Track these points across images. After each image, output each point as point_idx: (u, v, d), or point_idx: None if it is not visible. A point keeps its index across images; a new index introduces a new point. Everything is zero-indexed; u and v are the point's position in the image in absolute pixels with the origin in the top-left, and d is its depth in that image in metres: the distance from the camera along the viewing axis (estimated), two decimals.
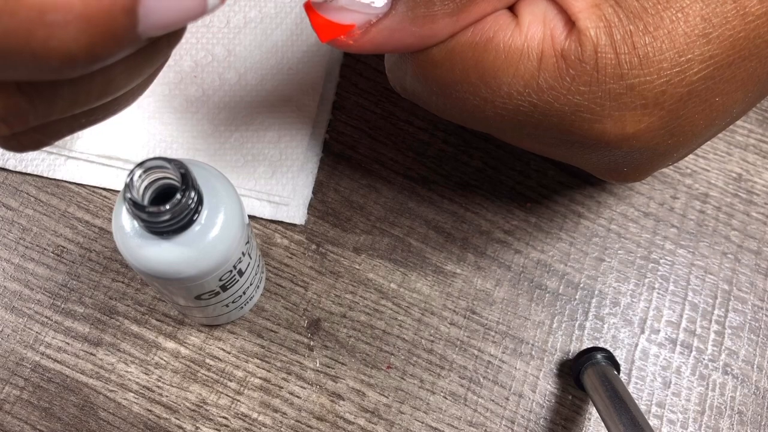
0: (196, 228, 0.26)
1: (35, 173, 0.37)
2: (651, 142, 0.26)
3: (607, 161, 0.29)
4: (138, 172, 0.25)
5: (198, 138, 0.37)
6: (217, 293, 0.30)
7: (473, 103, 0.26)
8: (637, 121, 0.25)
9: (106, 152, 0.37)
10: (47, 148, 0.37)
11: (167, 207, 0.24)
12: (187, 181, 0.25)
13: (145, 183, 0.25)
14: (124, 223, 0.27)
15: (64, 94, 0.19)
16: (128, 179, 0.25)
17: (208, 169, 0.28)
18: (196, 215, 0.26)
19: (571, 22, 0.25)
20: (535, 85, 0.25)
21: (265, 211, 0.37)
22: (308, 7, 0.25)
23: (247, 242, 0.29)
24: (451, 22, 0.25)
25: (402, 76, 0.28)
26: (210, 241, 0.27)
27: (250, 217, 0.37)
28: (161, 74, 0.38)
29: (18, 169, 0.37)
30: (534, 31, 0.25)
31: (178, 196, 0.24)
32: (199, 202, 0.26)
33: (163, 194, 0.26)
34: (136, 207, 0.24)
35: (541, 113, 0.26)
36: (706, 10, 0.24)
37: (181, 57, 0.38)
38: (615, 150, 0.27)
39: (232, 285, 0.30)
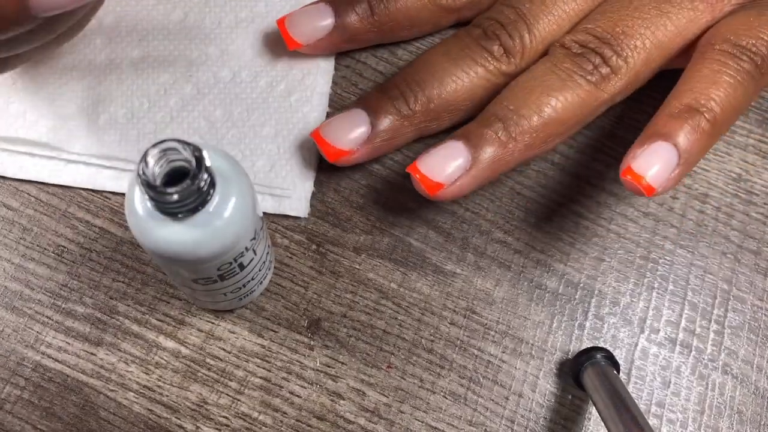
0: (207, 211, 0.26)
1: (36, 180, 0.37)
2: None
3: None
4: (153, 151, 0.25)
5: (194, 136, 0.38)
6: (215, 281, 0.30)
7: None
8: None
9: (103, 152, 0.37)
10: (46, 151, 0.37)
11: (176, 189, 0.24)
12: (200, 165, 0.25)
13: (160, 163, 0.25)
14: (137, 204, 0.27)
15: None
16: (142, 158, 0.25)
17: (227, 158, 0.28)
18: (208, 197, 0.26)
19: None
20: None
21: (267, 205, 0.37)
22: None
23: (253, 238, 0.29)
24: None
25: None
26: (218, 226, 0.27)
27: None
28: (156, 75, 0.38)
29: (18, 177, 0.37)
30: None
31: (189, 180, 0.25)
32: (211, 186, 0.26)
33: (178, 175, 0.26)
34: (147, 186, 0.25)
35: None
36: None
37: (175, 58, 0.38)
38: None
39: (231, 276, 0.30)
